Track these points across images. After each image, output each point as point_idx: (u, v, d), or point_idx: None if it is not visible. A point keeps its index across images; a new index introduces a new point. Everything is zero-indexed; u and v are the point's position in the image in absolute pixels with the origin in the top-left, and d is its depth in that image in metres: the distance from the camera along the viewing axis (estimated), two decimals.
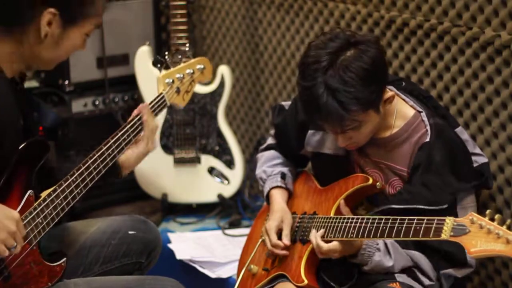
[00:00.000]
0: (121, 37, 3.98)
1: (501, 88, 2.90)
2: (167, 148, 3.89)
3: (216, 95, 3.86)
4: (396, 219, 2.44)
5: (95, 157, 2.54)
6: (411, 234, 2.38)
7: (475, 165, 2.68)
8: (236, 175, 3.89)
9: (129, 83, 3.96)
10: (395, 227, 2.43)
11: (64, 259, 2.52)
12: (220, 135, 3.89)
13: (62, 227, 2.79)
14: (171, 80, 2.83)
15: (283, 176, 2.94)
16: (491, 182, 2.74)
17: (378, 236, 2.46)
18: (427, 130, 2.64)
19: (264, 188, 2.96)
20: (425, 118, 2.66)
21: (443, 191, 2.59)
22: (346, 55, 2.52)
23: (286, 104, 3.01)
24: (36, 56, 2.48)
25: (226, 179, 3.90)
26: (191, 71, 2.89)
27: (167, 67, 2.86)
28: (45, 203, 2.42)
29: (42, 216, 2.41)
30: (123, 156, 2.67)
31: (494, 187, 2.97)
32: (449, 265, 2.62)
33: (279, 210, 2.85)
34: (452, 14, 3.02)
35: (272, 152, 3.03)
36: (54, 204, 2.44)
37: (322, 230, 2.62)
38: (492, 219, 2.21)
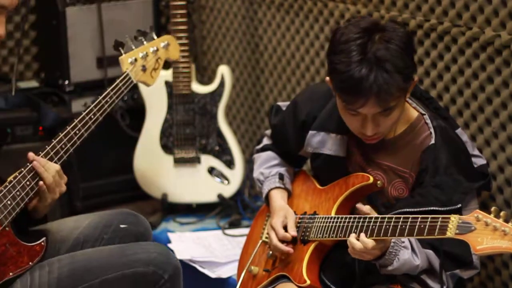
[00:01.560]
0: (121, 37, 3.97)
1: (501, 88, 2.90)
2: (167, 148, 3.90)
3: (216, 95, 3.86)
4: (400, 218, 2.43)
5: (61, 136, 2.60)
6: (415, 233, 2.37)
7: (475, 166, 2.68)
8: (236, 175, 3.89)
9: None
10: (399, 226, 2.42)
11: (44, 238, 2.55)
12: (220, 135, 3.89)
13: (53, 223, 2.81)
14: (133, 59, 2.91)
15: (281, 177, 2.93)
16: (492, 184, 2.74)
17: (381, 235, 2.45)
18: (431, 133, 2.64)
19: (263, 190, 2.96)
20: (428, 121, 2.66)
21: (455, 190, 2.58)
22: (381, 33, 2.51)
23: (283, 104, 3.01)
24: None
25: (226, 179, 3.90)
26: (155, 49, 2.96)
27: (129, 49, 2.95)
28: (11, 184, 2.48)
29: (9, 197, 2.46)
30: (30, 206, 2.61)
31: (494, 187, 2.97)
32: (455, 266, 2.61)
33: (281, 208, 2.84)
34: (452, 14, 3.02)
35: (268, 153, 3.03)
36: (22, 184, 2.49)
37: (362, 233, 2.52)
38: (497, 216, 2.20)
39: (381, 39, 2.50)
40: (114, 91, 2.80)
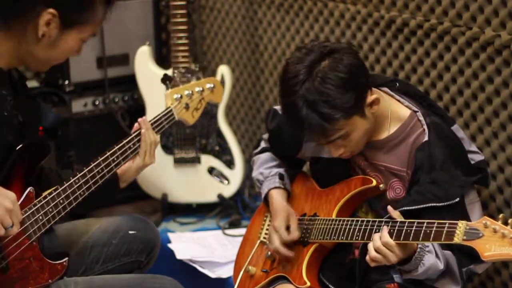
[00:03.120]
0: (121, 37, 3.98)
1: (501, 88, 2.90)
2: (167, 148, 3.89)
3: None
4: (404, 222, 2.42)
5: (98, 161, 2.60)
6: (421, 237, 2.36)
7: (472, 162, 2.68)
8: (236, 175, 3.89)
9: (129, 83, 3.96)
10: (404, 230, 2.41)
11: (66, 258, 2.54)
12: (220, 135, 3.89)
13: (63, 226, 2.81)
14: (179, 96, 2.87)
15: (281, 177, 2.93)
16: (489, 180, 2.73)
17: (400, 239, 2.42)
18: (424, 130, 2.63)
19: (262, 190, 2.95)
20: (421, 118, 2.65)
21: (452, 185, 2.57)
22: (321, 66, 2.54)
23: (280, 108, 3.01)
24: (31, 55, 2.49)
25: (226, 179, 3.90)
26: (201, 89, 2.94)
27: (175, 85, 2.95)
28: (46, 200, 2.47)
29: (42, 213, 2.45)
30: (121, 169, 2.71)
31: (494, 187, 2.97)
32: (469, 261, 2.59)
33: (283, 209, 2.84)
34: (452, 14, 3.02)
35: (267, 154, 3.03)
36: (55, 202, 2.48)
37: (384, 227, 2.47)
38: (505, 223, 2.20)
39: (317, 76, 2.53)
40: (155, 124, 2.78)
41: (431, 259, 2.51)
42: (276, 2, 3.83)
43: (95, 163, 2.59)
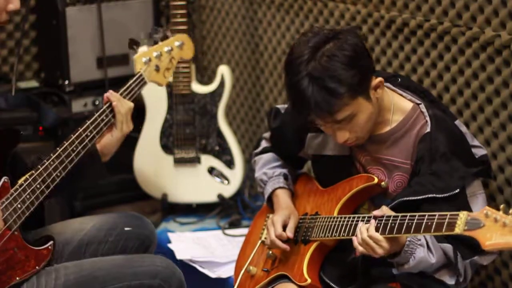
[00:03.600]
0: (121, 37, 3.98)
1: (501, 88, 2.90)
2: (167, 148, 3.90)
3: (216, 95, 3.86)
4: (406, 215, 2.42)
5: (71, 139, 2.58)
6: (422, 230, 2.36)
7: (476, 157, 2.68)
8: (236, 175, 3.89)
9: None
10: (405, 224, 2.41)
11: (51, 242, 2.54)
12: (220, 135, 3.89)
13: (58, 224, 2.81)
14: (148, 59, 2.86)
15: (286, 177, 2.93)
16: (493, 173, 2.73)
17: (386, 233, 2.44)
18: (426, 121, 2.64)
19: (265, 190, 2.95)
20: (424, 110, 2.66)
21: (452, 176, 2.57)
22: (326, 47, 2.55)
23: (282, 107, 3.01)
24: None
25: (226, 179, 3.90)
26: (169, 48, 2.92)
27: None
28: (22, 187, 2.45)
29: (20, 201, 2.44)
30: (101, 143, 2.70)
31: (494, 187, 2.97)
32: (472, 253, 2.59)
33: (287, 208, 2.84)
34: (452, 14, 3.02)
35: (270, 155, 3.03)
36: (32, 188, 2.47)
37: (372, 221, 2.49)
38: (506, 213, 2.20)
39: (323, 55, 2.53)
40: (127, 91, 2.77)
41: (422, 252, 2.52)
42: (276, 2, 3.83)
43: (68, 141, 2.56)
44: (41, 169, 2.49)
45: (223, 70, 3.86)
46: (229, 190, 3.90)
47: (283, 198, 2.88)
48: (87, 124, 2.62)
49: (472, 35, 2.95)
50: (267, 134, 3.07)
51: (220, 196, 3.89)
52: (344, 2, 3.48)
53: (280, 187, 2.91)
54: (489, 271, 3.06)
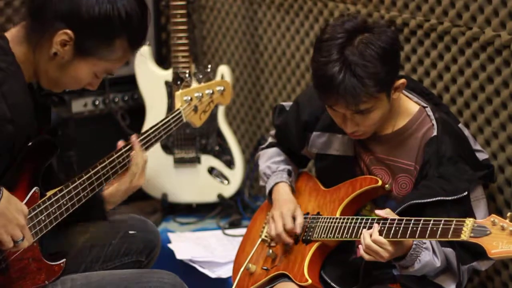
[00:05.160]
0: None
1: (501, 88, 2.90)
2: (167, 148, 3.89)
3: None
4: (410, 219, 2.42)
5: (105, 163, 2.56)
6: (427, 235, 2.36)
7: (480, 160, 2.69)
8: (236, 175, 3.89)
9: (129, 83, 3.95)
10: (409, 228, 2.41)
11: (64, 260, 2.53)
12: (220, 135, 3.89)
13: (63, 226, 2.80)
14: (189, 98, 2.84)
15: (289, 173, 2.93)
16: (495, 176, 2.73)
17: (390, 236, 2.44)
18: (433, 125, 2.64)
19: (268, 184, 2.94)
20: (430, 113, 2.67)
21: (460, 179, 2.58)
22: (364, 35, 2.54)
23: (287, 104, 3.01)
24: (43, 71, 2.43)
25: (226, 179, 3.90)
26: (211, 92, 2.91)
27: (186, 86, 2.89)
28: (50, 201, 2.44)
29: (45, 214, 2.42)
30: (107, 191, 2.66)
31: (494, 187, 2.97)
32: (473, 258, 2.59)
33: (291, 201, 2.84)
34: (452, 14, 3.02)
35: (275, 149, 3.03)
36: (59, 203, 2.45)
37: (375, 225, 2.49)
38: None
39: (361, 42, 2.53)
40: (163, 126, 2.73)
41: (427, 256, 2.52)
42: (276, 2, 3.83)
43: (101, 165, 2.54)
44: (71, 186, 2.47)
45: (223, 70, 3.85)
46: (229, 190, 3.90)
47: (286, 191, 2.88)
48: (120, 148, 2.61)
49: (472, 35, 2.95)
50: (273, 132, 3.08)
51: (220, 196, 3.89)
52: (344, 2, 3.48)
53: (283, 182, 2.91)
54: (489, 271, 3.06)
